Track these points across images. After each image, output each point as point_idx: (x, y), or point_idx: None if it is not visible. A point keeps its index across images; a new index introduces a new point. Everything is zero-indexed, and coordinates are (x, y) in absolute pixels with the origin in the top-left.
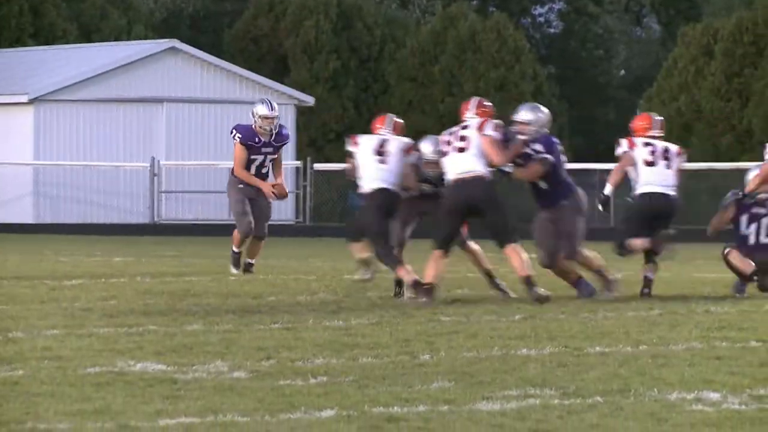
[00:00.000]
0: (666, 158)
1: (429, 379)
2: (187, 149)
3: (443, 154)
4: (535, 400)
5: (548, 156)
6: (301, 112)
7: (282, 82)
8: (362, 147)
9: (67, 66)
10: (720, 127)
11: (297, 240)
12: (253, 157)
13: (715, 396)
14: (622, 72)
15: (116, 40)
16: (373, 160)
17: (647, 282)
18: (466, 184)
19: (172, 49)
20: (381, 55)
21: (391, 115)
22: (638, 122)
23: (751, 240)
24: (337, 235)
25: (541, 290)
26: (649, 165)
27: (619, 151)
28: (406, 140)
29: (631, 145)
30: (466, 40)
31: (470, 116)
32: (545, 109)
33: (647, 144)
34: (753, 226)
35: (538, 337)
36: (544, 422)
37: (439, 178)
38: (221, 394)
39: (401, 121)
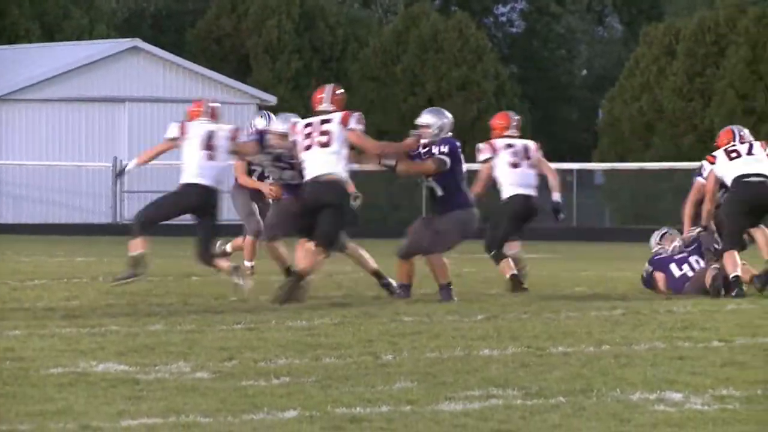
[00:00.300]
0: (527, 157)
1: (392, 379)
2: (149, 148)
3: (306, 147)
4: (498, 400)
5: (446, 158)
6: None
7: (244, 82)
8: (190, 138)
9: (30, 65)
10: (682, 126)
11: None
12: (252, 167)
13: (677, 396)
14: (584, 72)
15: (78, 39)
16: (202, 155)
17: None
18: (321, 185)
19: (134, 48)
20: (343, 54)
21: (206, 100)
22: (497, 121)
23: (691, 274)
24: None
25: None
26: (514, 167)
27: (481, 157)
28: (228, 127)
29: (494, 150)
30: (428, 40)
31: (325, 107)
32: (449, 114)
33: (509, 146)
34: (685, 266)
35: (500, 337)
36: (506, 423)
37: (289, 157)
38: (184, 395)
39: (217, 105)
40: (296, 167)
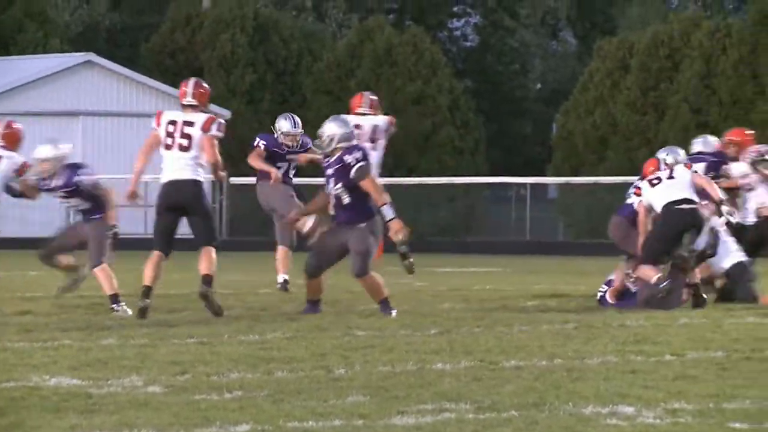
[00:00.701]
0: (374, 140)
1: (344, 393)
2: (103, 163)
3: (167, 146)
4: (451, 414)
5: (364, 162)
6: None
7: None
8: None
9: None
10: (636, 140)
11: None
12: (278, 165)
13: (629, 410)
14: (539, 86)
15: (33, 53)
16: None
17: None
18: (175, 186)
19: (89, 62)
20: (297, 68)
21: (9, 121)
22: (353, 101)
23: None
24: (253, 249)
25: (217, 304)
26: None
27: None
28: (20, 159)
29: None
30: (383, 54)
31: (188, 100)
32: (348, 126)
33: (356, 126)
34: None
35: (453, 351)
36: None
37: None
38: (136, 409)
39: (19, 127)
40: (83, 195)
